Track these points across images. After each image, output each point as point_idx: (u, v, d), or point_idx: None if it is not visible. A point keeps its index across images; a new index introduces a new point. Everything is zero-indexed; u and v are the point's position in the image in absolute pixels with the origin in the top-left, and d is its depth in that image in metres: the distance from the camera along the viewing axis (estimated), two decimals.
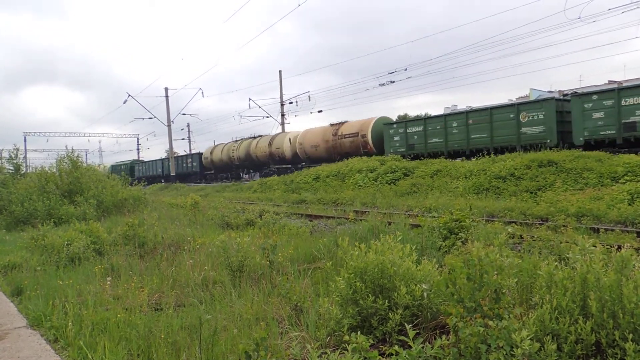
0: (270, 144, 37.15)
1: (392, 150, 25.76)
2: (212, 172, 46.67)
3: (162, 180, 54.72)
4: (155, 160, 59.71)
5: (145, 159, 69.77)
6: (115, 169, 65.11)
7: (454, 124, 22.50)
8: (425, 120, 24.47)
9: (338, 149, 30.28)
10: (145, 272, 6.71)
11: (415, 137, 24.59)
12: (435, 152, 23.40)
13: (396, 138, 25.66)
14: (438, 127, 23.23)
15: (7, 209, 14.99)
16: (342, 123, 30.49)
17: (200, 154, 48.49)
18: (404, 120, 27.23)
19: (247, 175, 45.78)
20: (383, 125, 26.94)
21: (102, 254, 8.23)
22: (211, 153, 45.70)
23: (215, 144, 46.20)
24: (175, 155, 57.10)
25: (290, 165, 35.29)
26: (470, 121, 21.66)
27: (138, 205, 16.90)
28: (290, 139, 35.20)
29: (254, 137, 40.54)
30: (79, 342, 4.13)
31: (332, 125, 31.14)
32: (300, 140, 33.66)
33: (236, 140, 43.18)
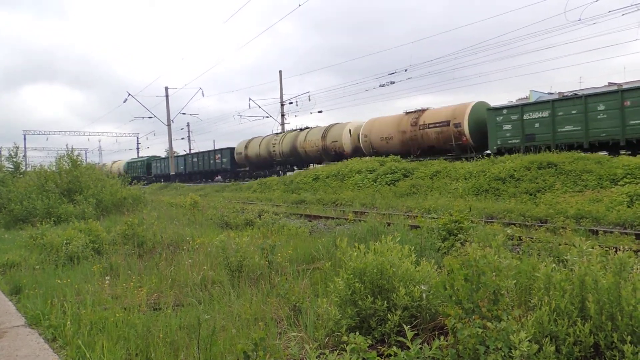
0: (324, 137, 32.14)
1: (500, 142, 20.78)
2: (247, 169, 41.72)
3: (185, 178, 50.51)
4: (177, 156, 54.94)
5: (164, 155, 65.39)
6: (131, 166, 63.10)
7: (600, 107, 17.54)
8: (552, 103, 19.27)
9: (419, 141, 25.08)
10: (144, 271, 6.70)
11: (537, 124, 19.44)
12: (568, 144, 18.40)
13: (506, 127, 20.53)
14: (574, 112, 18.32)
15: (6, 207, 14.99)
16: (422, 110, 25.56)
17: (231, 149, 43.58)
18: (520, 104, 21.35)
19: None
20: (486, 112, 21.72)
21: (101, 253, 8.23)
22: (246, 147, 40.77)
23: (251, 138, 41.12)
24: (195, 151, 53.87)
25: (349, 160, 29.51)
26: (628, 102, 16.81)
27: (137, 204, 16.90)
28: (350, 130, 30.71)
29: (301, 129, 35.73)
30: (77, 341, 4.13)
31: (407, 113, 26.39)
32: (365, 132, 28.51)
33: (277, 133, 38.87)
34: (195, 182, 48.17)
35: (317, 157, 33.49)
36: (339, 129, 31.47)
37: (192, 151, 58.13)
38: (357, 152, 30.06)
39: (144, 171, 60.27)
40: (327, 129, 32.46)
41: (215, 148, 52.45)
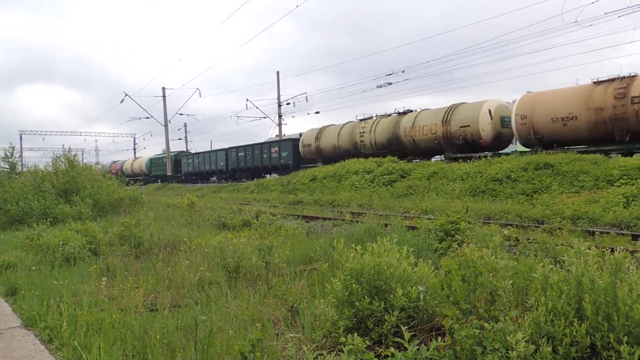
0: (446, 121, 23.64)
1: None
2: (318, 164, 32.16)
3: (226, 179, 42.97)
4: (215, 150, 47.15)
5: (198, 150, 58.54)
6: (155, 162, 57.53)
7: None
8: None
9: (629, 122, 17.15)
10: (141, 272, 6.69)
11: None
12: None
13: None
14: None
15: (2, 208, 14.92)
16: (631, 77, 17.47)
17: (294, 140, 36.03)
18: None
19: None
20: None
21: (98, 254, 8.20)
22: (317, 138, 32.45)
23: (324, 125, 33.28)
24: (244, 144, 44.38)
25: (489, 153, 21.83)
26: None
27: (134, 205, 16.87)
28: (490, 111, 22.39)
29: (401, 113, 27.37)
30: (73, 343, 4.11)
31: (599, 82, 18.22)
32: (522, 111, 20.37)
33: (364, 119, 29.83)
34: (239, 181, 39.96)
35: (432, 147, 25.06)
36: (472, 110, 22.99)
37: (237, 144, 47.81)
38: (500, 139, 22.66)
39: (170, 168, 53.27)
40: (451, 109, 23.87)
41: (271, 139, 43.37)
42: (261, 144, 39.88)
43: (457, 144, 23.38)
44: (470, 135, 22.67)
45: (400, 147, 26.66)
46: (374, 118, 29.08)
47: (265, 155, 38.21)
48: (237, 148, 42.30)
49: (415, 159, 26.23)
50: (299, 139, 35.35)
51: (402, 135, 26.19)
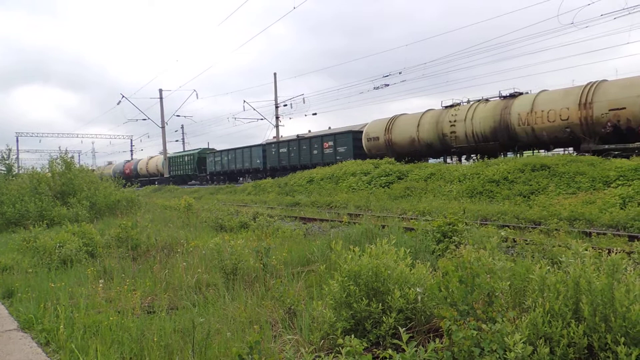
0: (585, 103, 18.13)
1: None
2: (390, 159, 25.58)
3: (265, 175, 37.08)
4: (250, 146, 40.66)
5: (227, 147, 52.48)
6: (174, 162, 51.95)
7: None
8: None
9: None
10: (138, 274, 6.68)
11: None
12: None
13: None
14: None
15: None
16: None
17: (354, 133, 30.63)
18: None
19: None
20: None
21: (95, 256, 8.19)
22: (388, 130, 26.69)
23: (396, 114, 27.40)
24: (286, 138, 41.32)
25: None
26: None
27: (131, 207, 16.83)
28: None
29: (506, 96, 21.92)
30: (70, 345, 4.10)
31: None
32: None
33: (452, 105, 24.29)
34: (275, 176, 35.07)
35: (560, 138, 19.65)
36: (628, 88, 17.44)
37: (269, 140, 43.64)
38: None
39: (193, 167, 48.47)
40: (592, 87, 18.35)
41: (323, 132, 37.78)
42: (310, 139, 33.97)
43: (603, 132, 18.04)
44: (627, 121, 17.18)
45: (509, 138, 21.33)
46: (467, 104, 23.84)
47: (315, 151, 32.40)
48: (279, 143, 37.03)
49: (524, 152, 22.12)
50: (360, 131, 30.25)
51: (515, 124, 20.81)
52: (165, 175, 51.68)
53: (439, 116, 24.55)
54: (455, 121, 23.52)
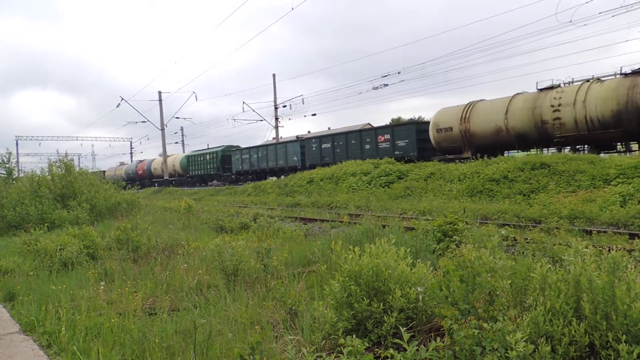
0: None
1: None
2: (466, 156, 22.39)
3: (298, 169, 32.87)
4: (285, 142, 37.16)
5: (257, 143, 46.12)
6: (194, 161, 47.89)
7: None
8: None
9: None
10: (139, 276, 6.68)
11: None
12: None
13: None
14: None
15: None
16: None
17: (419, 124, 27.45)
18: None
19: None
20: None
21: (96, 259, 8.19)
22: (465, 119, 22.22)
23: (473, 100, 22.96)
24: (332, 132, 38.61)
25: None
26: None
27: (131, 209, 16.84)
28: None
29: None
30: (72, 348, 4.11)
31: None
32: None
33: (553, 87, 19.91)
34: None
35: None
36: None
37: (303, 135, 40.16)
38: None
39: (216, 167, 44.00)
40: None
41: (378, 125, 34.29)
42: (360, 132, 29.85)
43: None
44: None
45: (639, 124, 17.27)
46: (570, 85, 19.82)
47: (367, 146, 28.21)
48: (321, 138, 32.39)
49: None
50: (425, 122, 26.83)
51: None
52: (187, 175, 48.51)
53: (534, 100, 20.27)
54: (559, 105, 19.17)
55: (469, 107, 22.64)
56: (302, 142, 34.42)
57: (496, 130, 21.34)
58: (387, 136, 27.12)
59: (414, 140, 25.68)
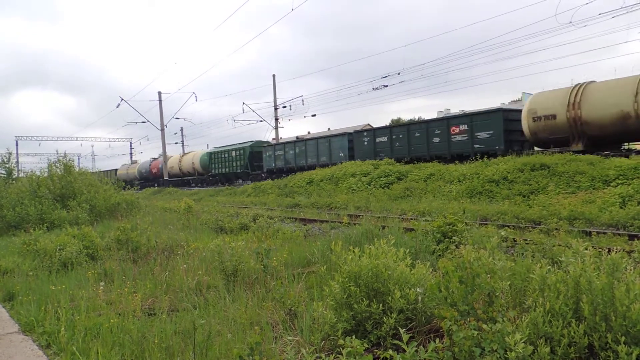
0: None
1: None
2: (576, 145, 18.51)
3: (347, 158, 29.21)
4: (329, 136, 32.54)
5: (288, 138, 42.97)
6: (217, 158, 43.33)
7: None
8: None
9: None
10: (139, 276, 6.68)
11: None
12: None
13: None
14: None
15: None
16: None
17: (505, 112, 22.17)
18: None
19: None
20: None
21: (95, 259, 8.19)
22: (573, 104, 18.15)
23: (581, 82, 18.81)
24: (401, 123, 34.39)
25: None
26: None
27: (131, 209, 16.84)
28: None
29: None
30: (71, 348, 4.11)
31: None
32: None
33: None
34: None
35: None
36: None
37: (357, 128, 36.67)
38: None
39: (243, 164, 39.89)
40: None
41: (450, 114, 31.30)
42: (428, 123, 25.21)
43: None
44: None
45: None
46: None
47: (436, 139, 23.73)
48: (374, 131, 28.35)
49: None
50: (514, 110, 22.61)
51: None
52: (209, 173, 44.35)
53: None
54: None
55: (578, 90, 18.44)
56: (350, 136, 30.12)
57: (621, 118, 17.14)
58: (464, 127, 22.47)
59: (500, 131, 21.09)
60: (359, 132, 29.64)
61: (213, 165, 44.04)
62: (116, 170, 65.85)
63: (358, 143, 28.75)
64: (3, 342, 4.61)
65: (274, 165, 36.16)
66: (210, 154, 44.95)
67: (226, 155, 42.55)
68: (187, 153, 51.02)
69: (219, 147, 45.83)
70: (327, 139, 32.02)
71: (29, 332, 4.88)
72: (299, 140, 35.75)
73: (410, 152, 25.06)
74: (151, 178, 56.89)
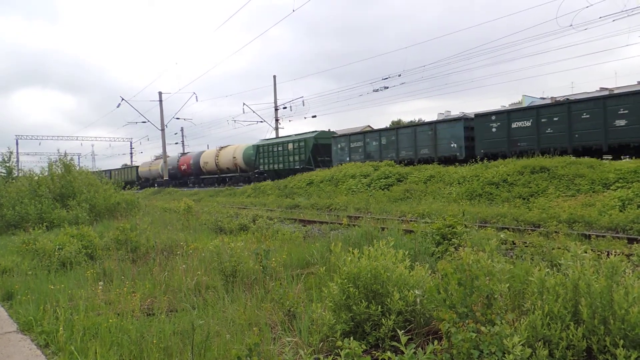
0: None
1: None
2: None
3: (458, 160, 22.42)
4: (429, 122, 25.54)
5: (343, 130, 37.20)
6: (268, 152, 36.58)
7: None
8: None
9: None
10: (138, 277, 6.68)
11: None
12: None
13: None
14: None
15: None
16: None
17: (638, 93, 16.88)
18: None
19: None
20: None
21: (94, 259, 8.19)
22: None
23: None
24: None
25: None
26: None
27: (131, 209, 16.83)
28: None
29: None
30: (70, 348, 4.10)
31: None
32: None
33: None
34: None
35: None
36: None
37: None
38: None
39: (304, 159, 33.14)
40: None
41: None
42: (538, 108, 20.23)
43: None
44: None
45: None
46: None
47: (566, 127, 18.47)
48: (510, 113, 21.08)
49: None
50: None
51: None
52: (258, 170, 38.16)
53: None
54: None
55: None
56: (467, 122, 22.91)
57: None
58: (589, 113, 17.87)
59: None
60: (484, 116, 22.13)
61: (261, 161, 37.52)
62: (137, 167, 61.21)
63: (482, 130, 21.71)
64: (1, 341, 4.61)
65: (348, 159, 29.00)
66: (257, 147, 38.12)
67: (280, 148, 35.57)
68: (226, 146, 44.31)
69: (268, 139, 39.35)
70: (429, 126, 24.45)
71: (27, 332, 4.88)
72: (386, 129, 28.49)
73: (571, 142, 18.47)
74: (179, 175, 50.80)
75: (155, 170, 55.44)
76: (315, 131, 34.44)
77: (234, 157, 41.99)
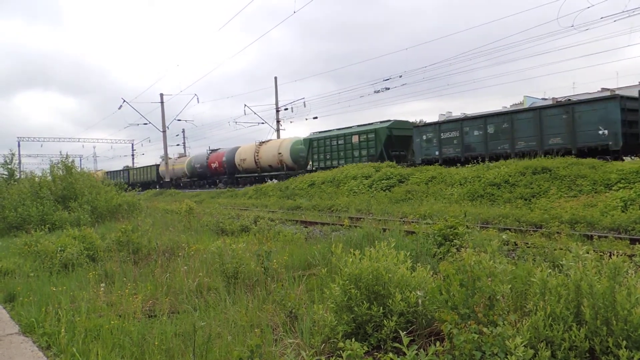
0: None
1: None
2: None
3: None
4: (563, 105, 18.98)
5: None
6: (323, 146, 31.50)
7: None
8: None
9: None
10: (139, 278, 6.68)
11: None
12: None
13: None
14: None
15: (0, 214, 14.89)
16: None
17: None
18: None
19: None
20: None
21: (96, 260, 8.19)
22: None
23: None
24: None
25: None
26: None
27: (132, 211, 16.85)
28: None
29: None
30: (71, 349, 4.10)
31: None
32: None
33: None
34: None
35: None
36: None
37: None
38: None
39: (375, 153, 28.06)
40: None
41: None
42: None
43: None
44: None
45: None
46: None
47: None
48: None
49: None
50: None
51: None
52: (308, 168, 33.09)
53: None
54: None
55: None
56: (623, 101, 17.26)
57: None
58: None
59: None
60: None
61: (315, 157, 32.16)
62: (157, 165, 55.42)
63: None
64: (3, 343, 4.61)
65: (437, 153, 23.76)
66: (310, 140, 32.55)
67: (341, 142, 30.03)
68: (268, 141, 39.81)
69: (324, 131, 32.99)
70: (564, 108, 18.73)
71: (29, 333, 4.88)
72: (496, 114, 22.48)
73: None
74: (209, 175, 45.98)
75: (179, 169, 50.75)
76: (388, 120, 28.79)
77: (280, 153, 36.75)
